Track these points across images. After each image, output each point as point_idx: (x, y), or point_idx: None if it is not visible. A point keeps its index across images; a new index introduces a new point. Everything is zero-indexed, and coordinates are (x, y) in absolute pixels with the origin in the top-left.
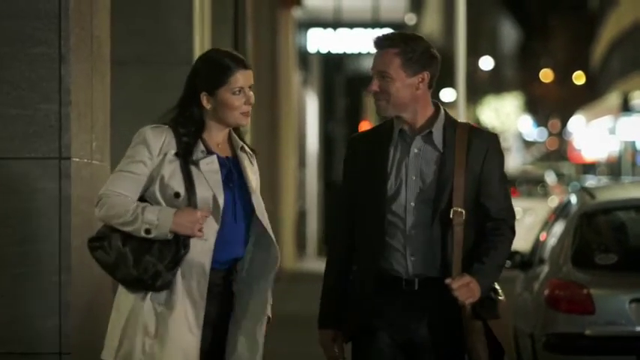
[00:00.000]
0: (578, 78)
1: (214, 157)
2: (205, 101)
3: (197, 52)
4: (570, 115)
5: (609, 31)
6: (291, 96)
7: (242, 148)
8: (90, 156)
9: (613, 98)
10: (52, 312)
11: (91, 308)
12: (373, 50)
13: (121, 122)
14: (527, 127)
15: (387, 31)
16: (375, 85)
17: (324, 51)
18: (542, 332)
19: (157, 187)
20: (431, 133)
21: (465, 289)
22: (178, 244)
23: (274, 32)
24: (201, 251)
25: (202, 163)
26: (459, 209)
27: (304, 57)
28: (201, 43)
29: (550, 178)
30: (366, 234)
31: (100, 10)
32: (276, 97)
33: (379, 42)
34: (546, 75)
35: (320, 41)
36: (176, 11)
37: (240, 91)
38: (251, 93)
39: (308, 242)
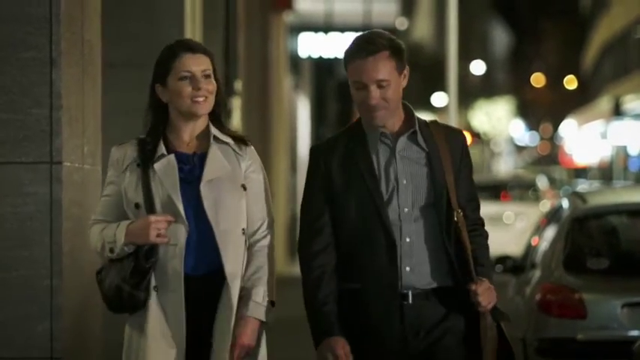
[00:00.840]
0: (570, 82)
1: (171, 156)
2: (160, 93)
3: None
4: (562, 120)
5: (600, 36)
6: (283, 100)
7: (215, 139)
8: (81, 160)
9: (604, 102)
10: (44, 316)
11: (82, 312)
12: None
13: (113, 126)
14: (519, 131)
15: None
16: (375, 98)
17: (315, 55)
18: (534, 337)
19: (125, 204)
20: (415, 132)
21: (487, 292)
22: (138, 257)
23: (265, 36)
24: (173, 257)
25: (158, 166)
26: (459, 210)
27: (295, 61)
28: None
29: (542, 182)
30: (364, 247)
31: (90, 14)
32: (267, 102)
33: (368, 48)
34: (538, 79)
35: (311, 46)
36: (168, 15)
37: (187, 76)
38: (204, 79)
39: None
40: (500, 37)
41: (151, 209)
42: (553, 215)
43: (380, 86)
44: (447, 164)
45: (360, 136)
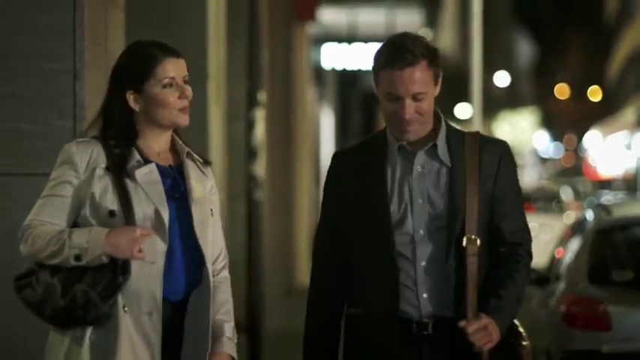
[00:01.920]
0: (594, 94)
1: (152, 165)
2: (133, 101)
3: (211, 68)
4: (586, 130)
5: (625, 47)
6: (306, 112)
7: (188, 154)
8: None
9: (629, 113)
10: None
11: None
12: None
13: None
14: (543, 142)
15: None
16: (410, 111)
17: (339, 67)
18: (559, 349)
19: (87, 209)
20: (435, 146)
21: (482, 332)
22: (115, 269)
23: (289, 47)
24: (149, 277)
25: (139, 174)
26: (473, 236)
27: (319, 73)
28: (216, 58)
29: (566, 194)
30: (370, 270)
31: (113, 24)
32: (290, 113)
33: (406, 58)
34: (562, 90)
35: (335, 57)
36: (190, 26)
37: (171, 83)
38: (187, 86)
39: None
40: (524, 48)
41: (129, 220)
42: (577, 227)
43: (415, 99)
44: (472, 183)
45: (380, 146)
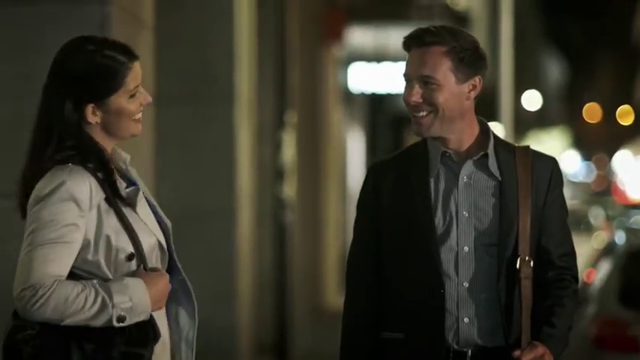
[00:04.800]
0: (625, 113)
1: (137, 187)
2: (91, 114)
3: (240, 89)
4: (616, 150)
5: None
6: (334, 133)
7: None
8: None
9: None
10: None
11: None
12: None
13: (166, 159)
14: (574, 162)
15: None
16: (415, 94)
17: (368, 88)
18: None
19: (100, 255)
20: (486, 156)
21: None
22: (154, 325)
23: (317, 68)
24: (157, 318)
25: (140, 205)
26: (527, 258)
27: (348, 94)
28: (244, 79)
29: (595, 215)
30: (412, 290)
31: (141, 45)
32: (318, 134)
33: (419, 37)
34: (592, 109)
35: (364, 77)
36: (219, 47)
37: (136, 92)
38: (146, 92)
39: None
40: (554, 68)
41: (143, 261)
42: (607, 249)
43: (424, 84)
44: (525, 199)
45: (421, 156)
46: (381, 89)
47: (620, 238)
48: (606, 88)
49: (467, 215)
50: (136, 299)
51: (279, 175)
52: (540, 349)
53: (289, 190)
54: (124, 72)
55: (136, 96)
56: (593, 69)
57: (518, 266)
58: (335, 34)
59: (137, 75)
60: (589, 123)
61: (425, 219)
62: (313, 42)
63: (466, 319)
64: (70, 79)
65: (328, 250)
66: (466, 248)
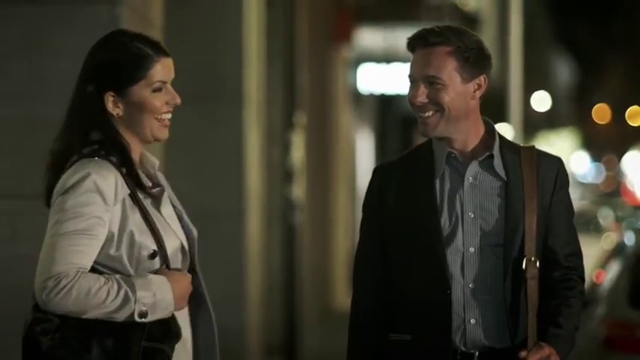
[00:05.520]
0: (635, 114)
1: (162, 187)
2: (111, 104)
3: (249, 90)
4: (626, 151)
5: None
6: (343, 134)
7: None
8: None
9: None
10: None
11: None
12: None
13: (175, 160)
14: (583, 163)
15: None
16: (421, 94)
17: (377, 89)
18: None
19: (123, 250)
20: (491, 156)
21: None
22: (176, 324)
23: (326, 69)
24: (179, 317)
25: (164, 203)
26: (533, 258)
27: (357, 95)
28: (253, 80)
29: (604, 216)
30: (418, 292)
31: None
32: (327, 135)
33: (423, 37)
34: (602, 110)
35: (373, 78)
36: (227, 47)
37: (161, 87)
38: (175, 92)
39: None
40: (564, 69)
41: (166, 260)
42: (617, 250)
43: (429, 84)
44: (530, 199)
45: (426, 157)
46: (390, 90)
47: (629, 239)
48: (616, 89)
49: (472, 216)
50: (159, 295)
51: (288, 175)
52: (547, 350)
53: (298, 190)
54: (148, 64)
55: (161, 92)
56: (603, 70)
57: (524, 267)
58: (344, 34)
59: (165, 71)
60: (598, 124)
61: (430, 220)
62: (322, 43)
63: (473, 321)
64: (93, 65)
65: (337, 250)
66: (472, 249)
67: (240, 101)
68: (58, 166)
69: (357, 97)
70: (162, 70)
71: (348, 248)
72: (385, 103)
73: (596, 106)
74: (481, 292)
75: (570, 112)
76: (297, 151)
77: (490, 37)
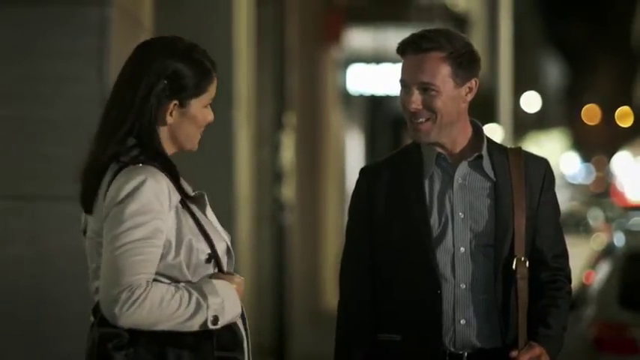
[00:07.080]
0: (624, 115)
1: (202, 192)
2: (170, 113)
3: (239, 91)
4: (616, 151)
5: None
6: (333, 135)
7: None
8: None
9: None
10: None
11: None
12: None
13: None
14: (573, 164)
15: None
16: (415, 101)
17: (367, 89)
18: None
19: (183, 257)
20: (480, 157)
21: None
22: (239, 329)
23: (315, 70)
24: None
25: (209, 209)
26: (522, 258)
27: (347, 96)
28: (243, 81)
29: (594, 217)
30: (407, 293)
31: None
32: (317, 136)
33: (415, 43)
34: (592, 111)
35: (362, 79)
36: (218, 49)
37: (210, 104)
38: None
39: None
40: (554, 70)
41: (220, 266)
42: (607, 251)
43: (423, 91)
44: (519, 200)
45: (415, 158)
46: (380, 91)
47: (619, 239)
48: (605, 89)
49: (462, 216)
50: (227, 300)
51: (278, 176)
52: (537, 350)
53: (288, 191)
54: (211, 78)
55: (207, 109)
56: (593, 70)
57: (514, 267)
58: (334, 35)
59: (215, 88)
60: (588, 125)
61: (420, 221)
62: (312, 43)
63: (462, 321)
64: (159, 71)
65: (327, 251)
66: (462, 249)
67: (230, 102)
68: (94, 171)
69: (347, 98)
70: (215, 86)
71: (338, 249)
72: (375, 103)
73: (586, 106)
74: (472, 293)
75: (560, 113)
76: (287, 152)
77: (480, 38)
